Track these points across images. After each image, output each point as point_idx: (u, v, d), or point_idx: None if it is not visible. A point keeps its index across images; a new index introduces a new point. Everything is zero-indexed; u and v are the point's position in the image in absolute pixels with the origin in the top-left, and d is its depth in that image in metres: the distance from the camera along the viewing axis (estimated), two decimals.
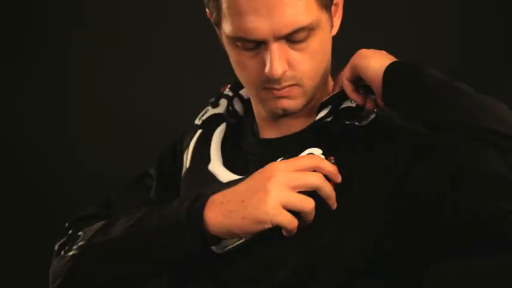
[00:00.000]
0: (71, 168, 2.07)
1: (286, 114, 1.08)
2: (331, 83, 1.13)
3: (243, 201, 0.95)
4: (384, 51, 1.04)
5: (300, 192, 0.95)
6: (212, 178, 1.11)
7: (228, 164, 1.13)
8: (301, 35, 1.01)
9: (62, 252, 1.11)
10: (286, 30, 0.99)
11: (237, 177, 1.08)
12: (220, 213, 0.96)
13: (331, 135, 1.06)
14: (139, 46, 2.04)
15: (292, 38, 1.01)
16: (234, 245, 1.01)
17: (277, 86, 1.04)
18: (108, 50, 2.05)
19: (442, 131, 0.94)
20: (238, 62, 1.05)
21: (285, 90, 1.05)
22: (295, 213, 0.94)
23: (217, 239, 0.98)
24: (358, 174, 1.02)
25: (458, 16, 1.91)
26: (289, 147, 1.06)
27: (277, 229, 0.95)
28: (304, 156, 0.99)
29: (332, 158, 1.00)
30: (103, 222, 1.09)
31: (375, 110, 1.05)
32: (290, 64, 1.03)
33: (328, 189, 0.96)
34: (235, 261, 1.04)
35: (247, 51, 1.03)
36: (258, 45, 1.02)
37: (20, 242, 2.05)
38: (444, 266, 1.07)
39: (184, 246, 0.97)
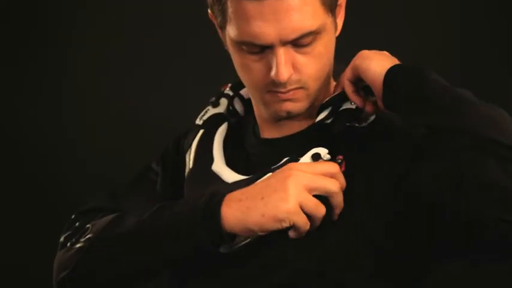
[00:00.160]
0: (71, 168, 2.07)
1: (289, 116, 1.08)
2: (333, 83, 1.13)
3: (263, 198, 0.96)
4: (386, 53, 1.04)
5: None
6: (216, 178, 1.11)
7: (230, 163, 1.13)
8: (308, 39, 1.01)
9: (69, 244, 1.11)
10: (293, 36, 0.99)
11: (241, 177, 1.08)
12: (239, 209, 0.96)
13: (331, 136, 1.06)
14: (139, 46, 2.04)
15: (298, 43, 1.01)
16: (242, 243, 1.01)
17: (283, 90, 1.04)
18: (108, 50, 2.05)
19: (442, 137, 0.94)
20: (243, 65, 1.05)
21: (290, 93, 1.05)
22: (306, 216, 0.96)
23: (232, 236, 0.98)
24: (358, 175, 1.02)
25: (458, 16, 1.91)
26: (290, 147, 1.07)
27: (288, 229, 0.96)
28: (325, 162, 1.00)
29: (340, 157, 1.01)
30: (112, 216, 1.10)
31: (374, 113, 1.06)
32: (295, 68, 1.03)
33: (340, 199, 0.98)
34: (237, 260, 1.03)
35: (253, 54, 1.03)
36: (264, 49, 1.02)
37: (20, 242, 2.05)
38: (445, 267, 1.07)
39: (197, 243, 0.98)
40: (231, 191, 0.99)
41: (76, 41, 2.07)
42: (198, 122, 1.22)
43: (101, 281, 1.07)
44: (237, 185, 1.03)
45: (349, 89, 1.05)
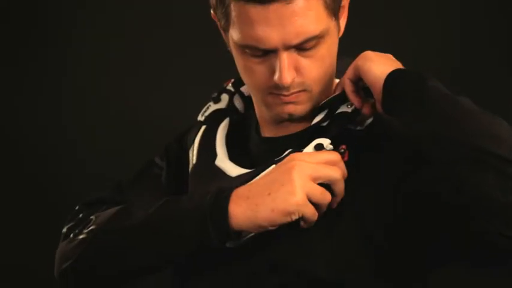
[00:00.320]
0: (71, 168, 2.07)
1: (291, 118, 1.08)
2: (335, 82, 1.13)
3: (270, 194, 0.97)
4: (389, 56, 1.03)
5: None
6: (220, 173, 1.11)
7: (233, 158, 1.13)
8: (311, 43, 1.01)
9: (71, 235, 1.11)
10: (296, 40, 1.00)
11: (244, 171, 1.08)
12: (248, 207, 0.97)
13: (329, 138, 1.06)
14: (139, 46, 2.04)
15: (301, 47, 1.01)
16: (247, 237, 1.01)
17: (285, 93, 1.04)
18: (108, 50, 2.05)
19: (441, 146, 0.93)
20: (246, 67, 1.05)
21: (293, 96, 1.05)
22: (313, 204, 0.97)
23: (239, 233, 0.98)
24: (356, 176, 1.02)
25: (458, 16, 1.91)
26: (290, 146, 1.06)
27: (297, 221, 0.97)
28: (327, 151, 1.01)
29: (343, 146, 1.01)
30: (116, 208, 1.10)
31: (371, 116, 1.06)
32: (298, 71, 1.03)
33: (342, 186, 0.99)
34: (240, 257, 1.04)
35: (256, 58, 1.03)
36: (267, 53, 1.02)
37: (20, 242, 2.05)
38: (445, 267, 1.07)
39: (203, 240, 0.98)
40: (236, 185, 1.00)
41: (76, 41, 2.07)
42: (200, 118, 1.22)
43: (103, 273, 1.08)
44: (241, 179, 1.03)
45: (348, 89, 1.05)
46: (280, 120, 1.11)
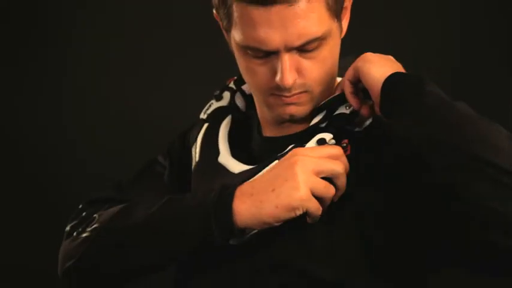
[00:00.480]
0: (71, 168, 2.07)
1: (293, 119, 1.08)
2: (338, 81, 1.12)
3: (273, 190, 0.97)
4: (390, 57, 1.03)
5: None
6: (223, 170, 1.11)
7: (235, 155, 1.14)
8: (313, 45, 1.01)
9: (75, 234, 1.11)
10: (298, 42, 0.99)
11: (247, 167, 1.08)
12: (252, 204, 0.97)
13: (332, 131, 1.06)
14: (139, 46, 2.04)
15: (303, 48, 1.01)
16: (250, 234, 1.01)
17: (287, 94, 1.04)
18: (108, 50, 2.05)
19: (438, 152, 0.92)
20: (248, 68, 1.06)
21: (294, 97, 1.05)
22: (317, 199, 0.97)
23: (242, 230, 0.99)
24: (355, 176, 1.02)
25: (458, 16, 1.91)
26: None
27: (301, 216, 0.97)
28: (329, 145, 1.01)
29: (345, 141, 1.02)
30: (119, 206, 1.10)
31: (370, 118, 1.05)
32: (300, 72, 1.03)
33: (344, 180, 0.99)
34: (242, 255, 1.04)
35: (257, 59, 1.03)
36: (269, 54, 1.02)
37: (20, 242, 2.05)
38: (445, 268, 1.07)
39: (207, 237, 0.98)
40: (239, 182, 1.00)
41: (76, 41, 2.07)
42: (202, 116, 1.22)
43: (106, 271, 1.08)
44: (244, 175, 1.03)
45: (348, 90, 1.05)
46: (282, 121, 1.11)
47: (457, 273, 1.07)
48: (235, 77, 1.22)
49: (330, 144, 1.02)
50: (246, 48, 1.03)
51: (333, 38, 1.03)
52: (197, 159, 1.17)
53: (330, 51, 1.04)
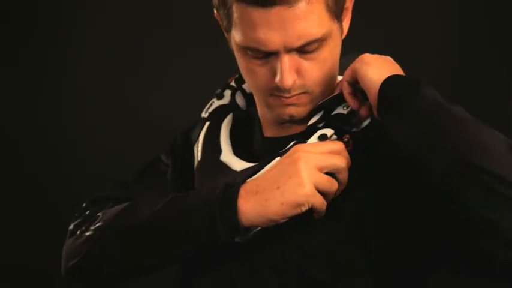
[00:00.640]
0: (71, 168, 2.07)
1: (292, 120, 1.08)
2: (337, 80, 1.12)
3: (278, 187, 0.97)
4: (388, 58, 1.02)
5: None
6: (226, 168, 1.11)
7: (237, 153, 1.14)
8: (313, 46, 1.01)
9: (78, 232, 1.11)
10: (298, 43, 0.99)
11: (249, 165, 1.08)
12: (258, 203, 0.97)
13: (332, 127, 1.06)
14: (139, 46, 2.04)
15: (303, 49, 1.01)
16: (254, 231, 1.01)
17: (287, 95, 1.04)
18: (108, 50, 2.05)
19: (432, 156, 0.91)
20: (248, 68, 1.06)
21: (294, 98, 1.05)
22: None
23: (247, 228, 0.99)
24: (355, 177, 1.02)
25: (458, 16, 1.91)
26: None
27: (306, 212, 0.97)
28: (330, 141, 1.01)
29: (347, 136, 1.02)
30: (123, 205, 1.10)
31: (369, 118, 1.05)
32: (300, 73, 1.03)
33: (346, 175, 0.99)
34: (243, 254, 1.04)
35: (257, 59, 1.03)
36: (269, 55, 1.02)
37: (20, 242, 2.05)
38: (445, 268, 1.07)
39: (212, 236, 0.98)
40: (241, 179, 1.00)
41: (76, 41, 2.07)
42: (204, 114, 1.22)
43: (110, 270, 1.08)
44: (247, 172, 1.03)
45: (346, 91, 1.05)
46: (282, 121, 1.11)
47: (457, 273, 1.07)
48: (237, 75, 1.22)
49: (332, 140, 1.02)
50: (245, 49, 1.03)
51: (333, 39, 1.03)
52: (199, 157, 1.17)
53: (330, 52, 1.04)
